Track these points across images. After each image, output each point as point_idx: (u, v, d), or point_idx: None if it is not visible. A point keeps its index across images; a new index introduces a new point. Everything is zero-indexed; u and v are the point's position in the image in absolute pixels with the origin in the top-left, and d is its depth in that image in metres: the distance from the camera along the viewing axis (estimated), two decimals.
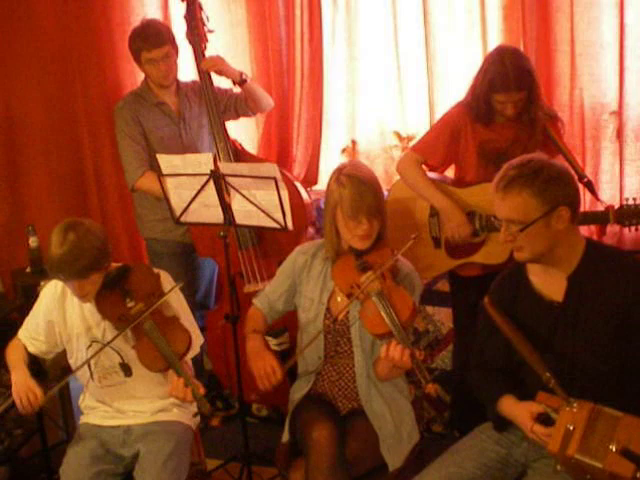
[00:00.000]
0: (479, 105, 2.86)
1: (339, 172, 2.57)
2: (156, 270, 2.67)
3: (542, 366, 2.15)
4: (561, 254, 2.20)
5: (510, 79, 2.75)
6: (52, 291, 2.67)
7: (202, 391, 2.43)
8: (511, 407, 2.25)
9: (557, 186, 2.12)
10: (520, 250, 2.20)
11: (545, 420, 2.12)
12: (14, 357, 2.67)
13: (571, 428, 2.04)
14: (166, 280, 2.67)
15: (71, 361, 2.72)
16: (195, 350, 2.64)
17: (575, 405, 2.07)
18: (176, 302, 2.66)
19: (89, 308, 2.62)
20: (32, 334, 2.69)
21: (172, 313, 2.62)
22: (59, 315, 2.65)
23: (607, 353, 2.17)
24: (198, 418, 2.76)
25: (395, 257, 2.52)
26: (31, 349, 2.69)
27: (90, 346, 2.63)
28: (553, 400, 2.12)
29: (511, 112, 2.84)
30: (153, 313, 2.51)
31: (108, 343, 2.54)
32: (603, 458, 1.99)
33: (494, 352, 2.37)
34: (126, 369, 2.64)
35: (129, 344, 2.57)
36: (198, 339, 2.69)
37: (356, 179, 2.51)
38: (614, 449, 1.99)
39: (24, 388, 2.51)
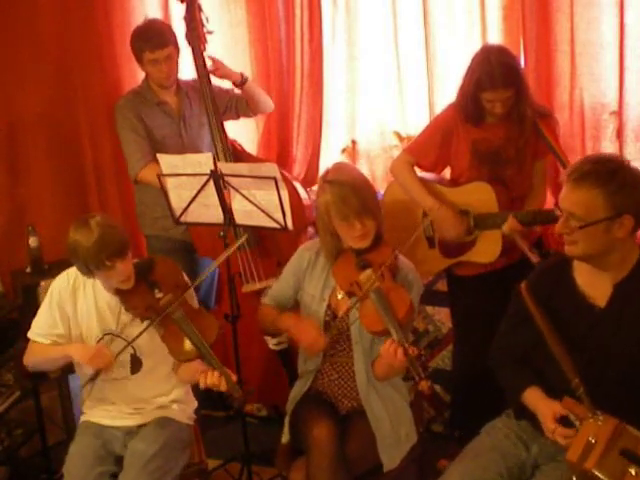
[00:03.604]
0: (468, 105, 2.85)
1: (322, 180, 2.60)
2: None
3: (572, 369, 2.09)
4: (613, 261, 2.12)
5: (497, 77, 2.73)
6: (64, 284, 2.65)
7: (234, 378, 2.44)
8: (537, 401, 2.20)
9: (629, 193, 2.03)
10: (573, 244, 2.10)
11: (567, 424, 2.08)
12: (45, 347, 2.61)
13: (593, 441, 1.98)
14: (185, 275, 2.70)
15: None
16: None
17: (601, 418, 2.01)
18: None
19: (106, 300, 2.62)
20: (48, 329, 2.63)
21: (197, 305, 2.65)
22: (71, 307, 2.64)
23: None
24: (193, 418, 2.77)
25: (394, 254, 2.52)
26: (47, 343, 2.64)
27: (102, 339, 2.62)
28: (578, 409, 2.07)
29: (500, 110, 2.82)
30: (182, 304, 2.53)
31: (138, 335, 2.51)
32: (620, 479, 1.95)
33: (522, 341, 2.30)
34: (136, 363, 2.64)
35: (157, 332, 2.55)
36: None
37: (336, 184, 2.52)
38: (633, 473, 1.93)
39: (86, 347, 2.54)
